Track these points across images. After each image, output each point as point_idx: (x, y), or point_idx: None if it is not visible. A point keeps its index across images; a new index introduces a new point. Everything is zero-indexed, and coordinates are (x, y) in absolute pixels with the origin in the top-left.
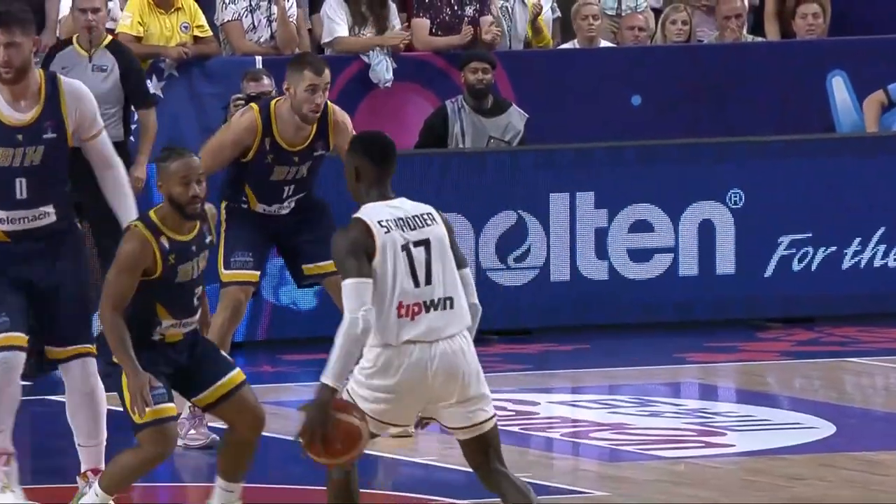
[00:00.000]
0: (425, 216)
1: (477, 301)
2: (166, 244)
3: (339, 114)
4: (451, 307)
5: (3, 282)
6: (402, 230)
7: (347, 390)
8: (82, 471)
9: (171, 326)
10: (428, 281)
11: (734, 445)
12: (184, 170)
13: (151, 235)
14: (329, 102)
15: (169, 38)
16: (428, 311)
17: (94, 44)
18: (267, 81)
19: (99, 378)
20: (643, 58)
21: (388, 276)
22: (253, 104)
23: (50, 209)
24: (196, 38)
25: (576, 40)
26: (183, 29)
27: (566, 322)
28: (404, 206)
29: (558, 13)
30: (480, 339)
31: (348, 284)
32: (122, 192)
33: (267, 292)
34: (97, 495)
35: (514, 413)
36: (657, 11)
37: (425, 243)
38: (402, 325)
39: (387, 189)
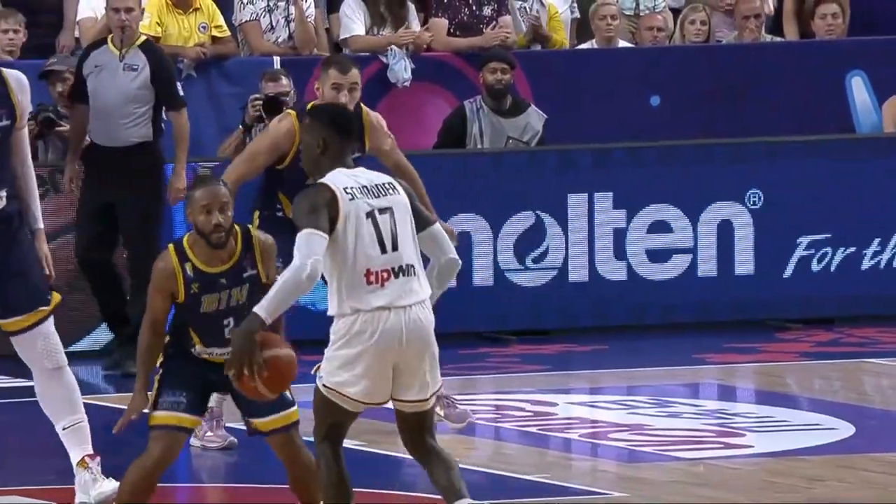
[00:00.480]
0: (387, 185)
1: (455, 255)
2: (190, 273)
3: (374, 115)
4: (415, 274)
5: None
6: (367, 197)
7: (319, 378)
8: (76, 460)
9: (204, 352)
10: (395, 247)
11: (753, 446)
12: (207, 198)
13: (178, 261)
14: (362, 105)
15: (187, 38)
16: (397, 276)
17: (127, 43)
18: (285, 82)
19: (63, 352)
20: (661, 58)
21: (354, 243)
22: (290, 110)
23: (2, 193)
24: (214, 39)
25: (594, 40)
26: (201, 29)
27: (584, 323)
28: (366, 175)
29: (577, 13)
30: (498, 339)
31: (301, 235)
32: (31, 187)
33: None
34: None
35: (532, 414)
36: (676, 12)
37: (389, 210)
38: (373, 291)
39: (349, 161)
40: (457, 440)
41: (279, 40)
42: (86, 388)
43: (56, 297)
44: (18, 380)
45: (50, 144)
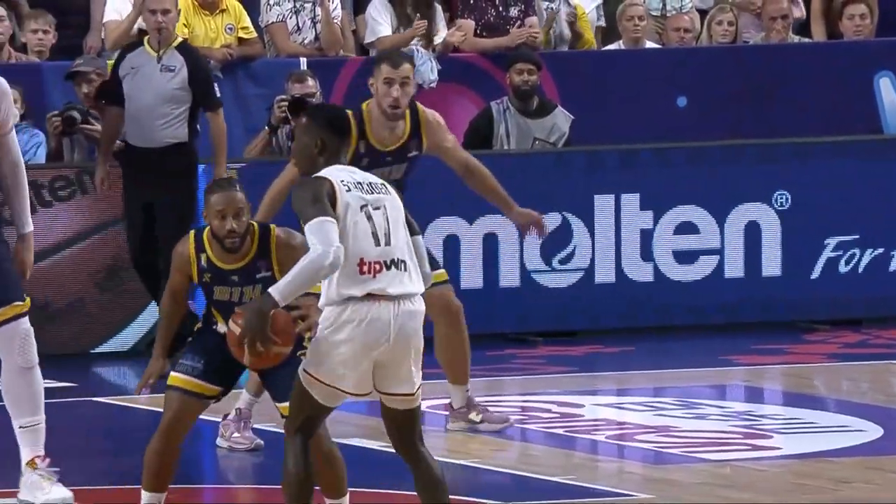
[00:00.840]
0: (379, 185)
1: (429, 269)
2: (204, 263)
3: (430, 113)
4: (407, 269)
5: None
6: (361, 192)
7: (302, 365)
8: (26, 460)
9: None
10: (388, 242)
11: (780, 448)
12: (222, 203)
13: (194, 249)
14: (418, 103)
15: (214, 39)
16: (389, 268)
17: (164, 44)
18: (311, 83)
19: (36, 353)
20: (688, 59)
21: (350, 233)
22: (347, 111)
23: None
24: (241, 40)
25: (621, 41)
26: (228, 30)
27: (611, 324)
28: (360, 173)
29: (603, 21)
30: (525, 340)
31: (314, 223)
32: (21, 191)
33: None
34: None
35: (558, 415)
36: (703, 13)
37: (382, 208)
38: (365, 280)
39: (343, 160)
40: (482, 441)
41: (305, 41)
42: (113, 389)
43: (28, 301)
44: (45, 381)
45: (76, 145)
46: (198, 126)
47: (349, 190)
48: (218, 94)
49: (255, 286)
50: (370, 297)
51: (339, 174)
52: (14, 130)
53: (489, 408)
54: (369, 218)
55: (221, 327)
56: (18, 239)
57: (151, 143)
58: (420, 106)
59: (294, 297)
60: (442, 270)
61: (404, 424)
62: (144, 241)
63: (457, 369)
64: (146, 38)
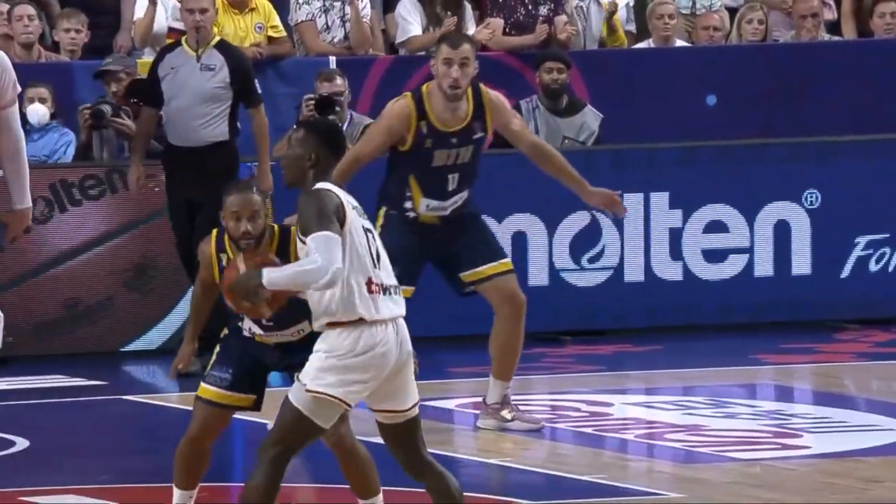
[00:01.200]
0: (361, 208)
1: None
2: (224, 263)
3: (493, 94)
4: (398, 292)
5: None
6: (358, 214)
7: (308, 386)
8: None
9: (253, 330)
10: (380, 265)
11: (810, 447)
12: (237, 205)
13: (216, 249)
14: (482, 85)
15: (243, 38)
16: (384, 292)
17: (202, 43)
18: (340, 81)
19: None
20: (718, 57)
21: (357, 252)
22: (407, 92)
23: None
24: (270, 39)
25: (650, 40)
26: (257, 29)
27: (640, 323)
28: (348, 195)
29: (633, 27)
30: (554, 339)
31: (319, 237)
32: (19, 167)
33: None
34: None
35: (587, 414)
36: (733, 11)
37: (372, 231)
38: (375, 300)
39: (331, 177)
40: (512, 440)
41: (335, 40)
42: (142, 387)
43: None
44: (75, 379)
45: (105, 143)
46: (238, 124)
47: (353, 208)
48: (259, 91)
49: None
50: (381, 321)
51: (339, 192)
52: (16, 105)
53: (520, 407)
54: (367, 237)
55: (247, 324)
56: (10, 213)
57: (193, 142)
58: (483, 87)
59: (279, 289)
60: (507, 259)
61: (409, 435)
62: (190, 239)
63: (504, 364)
64: (184, 38)
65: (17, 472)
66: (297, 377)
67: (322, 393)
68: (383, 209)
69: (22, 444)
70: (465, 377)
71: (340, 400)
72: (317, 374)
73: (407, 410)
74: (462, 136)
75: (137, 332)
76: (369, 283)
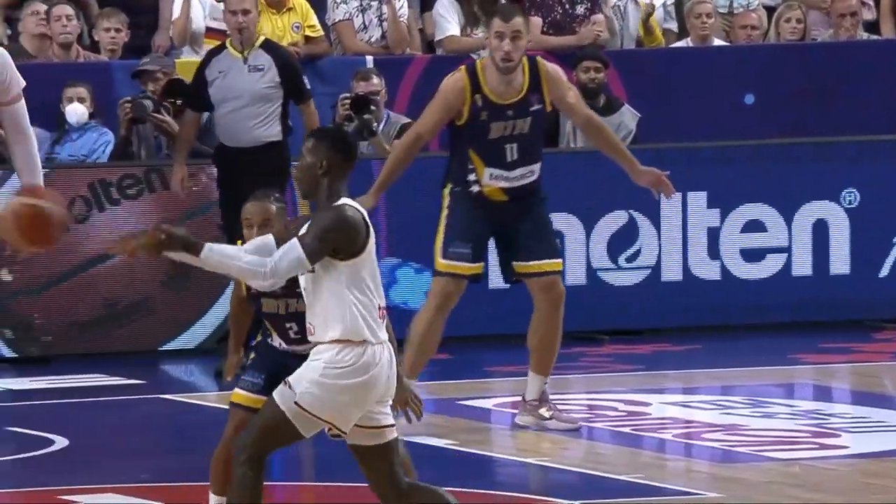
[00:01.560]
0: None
1: None
2: None
3: (551, 66)
4: (385, 316)
5: None
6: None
7: (296, 398)
8: None
9: (280, 343)
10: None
11: (849, 447)
12: (249, 213)
13: None
14: (538, 58)
15: (280, 38)
16: (382, 318)
17: (247, 45)
18: (376, 81)
19: None
20: (754, 56)
21: (375, 275)
22: (462, 66)
23: None
24: (307, 38)
25: (688, 39)
26: (294, 29)
27: (677, 323)
28: None
29: (674, 25)
30: (591, 338)
31: (300, 254)
32: (31, 163)
33: None
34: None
35: (625, 413)
36: (771, 10)
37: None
38: (380, 325)
39: (346, 186)
40: (551, 439)
41: (372, 40)
42: (181, 386)
43: None
44: (113, 378)
45: (143, 140)
46: (290, 122)
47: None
48: (308, 86)
49: (299, 299)
50: (377, 344)
51: (362, 210)
52: (22, 101)
53: (559, 406)
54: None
55: (275, 340)
56: (27, 189)
57: (246, 143)
58: (540, 59)
59: (212, 266)
60: (559, 260)
61: (388, 455)
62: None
63: (543, 358)
64: (228, 41)
65: (57, 471)
66: (287, 381)
67: (310, 413)
68: (448, 187)
69: (61, 442)
70: (503, 376)
71: (328, 423)
72: (308, 388)
73: (381, 428)
74: (518, 109)
75: (175, 331)
76: (380, 307)
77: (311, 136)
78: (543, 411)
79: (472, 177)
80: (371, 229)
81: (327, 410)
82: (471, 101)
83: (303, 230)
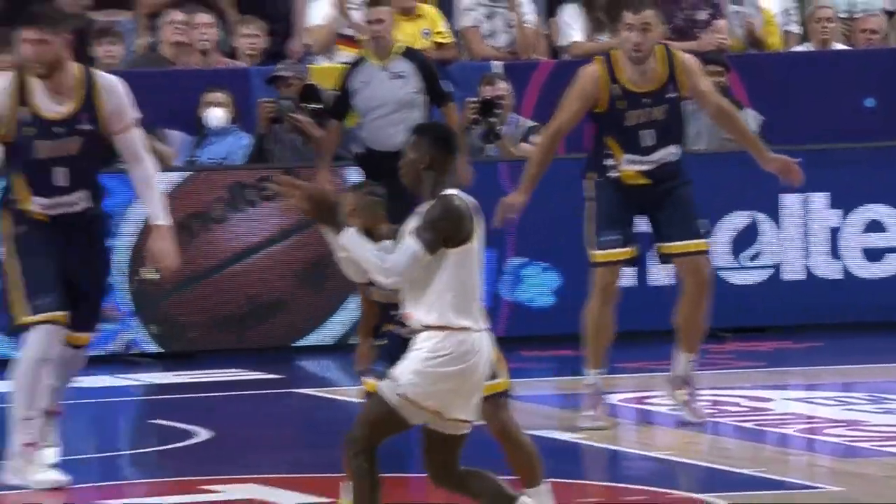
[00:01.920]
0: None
1: None
2: None
3: (687, 56)
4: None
5: (44, 260)
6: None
7: (396, 388)
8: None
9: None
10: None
11: None
12: (350, 203)
13: None
14: (672, 48)
15: (411, 43)
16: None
17: (383, 53)
18: (503, 85)
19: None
20: (875, 60)
21: (480, 262)
22: (597, 56)
23: (84, 195)
24: (437, 44)
25: (809, 43)
26: (424, 35)
27: (799, 321)
28: None
29: (795, 27)
30: (714, 336)
31: (416, 249)
32: (147, 186)
33: (505, 291)
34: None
35: (748, 409)
36: (891, 14)
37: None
38: (481, 313)
39: (451, 178)
40: (674, 433)
41: (498, 45)
42: (317, 381)
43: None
44: (252, 373)
45: (279, 142)
46: None
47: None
48: (448, 89)
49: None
50: (476, 331)
51: (469, 201)
52: (135, 129)
53: (695, 402)
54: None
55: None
56: (152, 230)
57: (391, 147)
58: (675, 49)
59: (345, 254)
60: (702, 240)
61: (455, 448)
62: None
63: (687, 337)
64: (366, 51)
65: (198, 462)
66: (390, 373)
67: (413, 402)
68: (592, 179)
69: (203, 434)
70: (628, 373)
71: (432, 411)
72: (411, 379)
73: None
74: (655, 97)
75: (312, 327)
76: (480, 298)
77: (413, 133)
78: (680, 393)
79: (610, 162)
80: (477, 219)
81: (430, 399)
82: (609, 90)
83: (411, 225)
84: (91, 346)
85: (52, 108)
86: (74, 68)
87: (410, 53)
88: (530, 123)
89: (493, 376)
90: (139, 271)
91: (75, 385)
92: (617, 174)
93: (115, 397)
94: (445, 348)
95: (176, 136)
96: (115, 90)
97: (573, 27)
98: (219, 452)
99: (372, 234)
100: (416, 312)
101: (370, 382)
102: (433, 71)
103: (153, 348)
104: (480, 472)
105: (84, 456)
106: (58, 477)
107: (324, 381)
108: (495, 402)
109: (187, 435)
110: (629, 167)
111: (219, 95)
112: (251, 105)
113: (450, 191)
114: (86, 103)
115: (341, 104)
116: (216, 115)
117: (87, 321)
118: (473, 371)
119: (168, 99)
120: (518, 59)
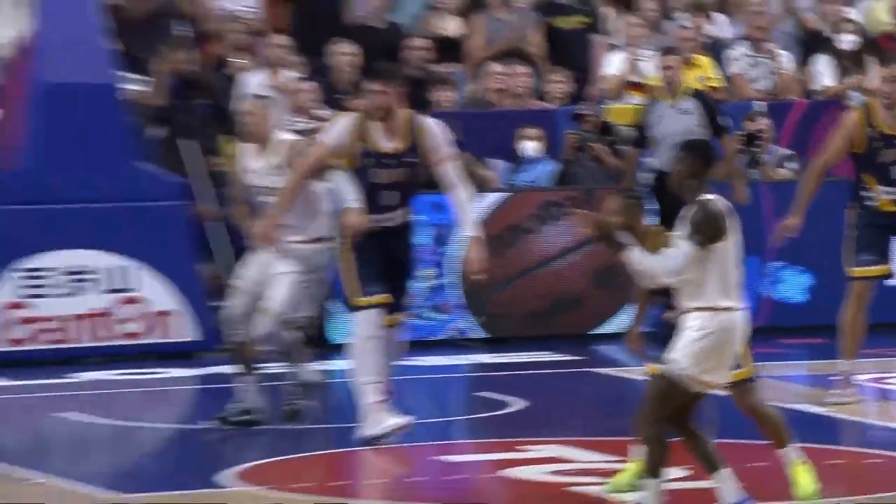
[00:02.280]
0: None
1: None
2: None
3: None
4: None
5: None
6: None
7: (676, 368)
8: None
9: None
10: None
11: None
12: (613, 205)
13: None
14: None
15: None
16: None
17: (674, 93)
18: (764, 121)
19: None
20: None
21: (736, 255)
22: (855, 104)
23: (404, 211)
24: (710, 88)
25: None
26: (700, 81)
27: None
28: None
29: None
30: None
31: (690, 250)
32: (460, 207)
33: (766, 288)
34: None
35: None
36: None
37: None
38: (739, 295)
39: (707, 185)
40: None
41: (761, 88)
42: (610, 363)
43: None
44: (557, 355)
45: (581, 168)
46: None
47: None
48: (726, 123)
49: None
50: (734, 309)
51: (723, 203)
52: (450, 161)
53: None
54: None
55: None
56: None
57: None
58: None
59: (635, 264)
60: (888, 266)
61: (694, 404)
62: None
63: (843, 342)
64: (655, 92)
65: (515, 427)
66: (668, 357)
67: (687, 376)
68: (854, 211)
69: (518, 405)
70: (865, 358)
71: (704, 382)
72: (682, 358)
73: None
74: None
75: (606, 318)
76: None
77: (680, 149)
78: (840, 390)
79: (868, 193)
80: (731, 219)
81: (699, 372)
82: (865, 133)
83: (680, 229)
84: (430, 333)
85: (385, 144)
86: (404, 113)
87: (698, 95)
88: (787, 152)
89: (738, 366)
90: (467, 274)
91: (417, 363)
92: (875, 203)
93: (448, 374)
94: (708, 327)
95: (497, 163)
96: (433, 131)
97: (823, 73)
98: (530, 419)
99: (633, 230)
100: (683, 296)
101: (652, 367)
102: (714, 108)
103: (479, 335)
104: (699, 434)
105: (424, 421)
106: (404, 420)
107: (616, 363)
108: (742, 387)
109: (505, 405)
110: (884, 197)
111: (532, 131)
112: (558, 138)
113: (708, 196)
114: (411, 141)
115: (639, 136)
116: (530, 147)
117: (399, 305)
118: (733, 344)
119: (491, 134)
120: (777, 100)
